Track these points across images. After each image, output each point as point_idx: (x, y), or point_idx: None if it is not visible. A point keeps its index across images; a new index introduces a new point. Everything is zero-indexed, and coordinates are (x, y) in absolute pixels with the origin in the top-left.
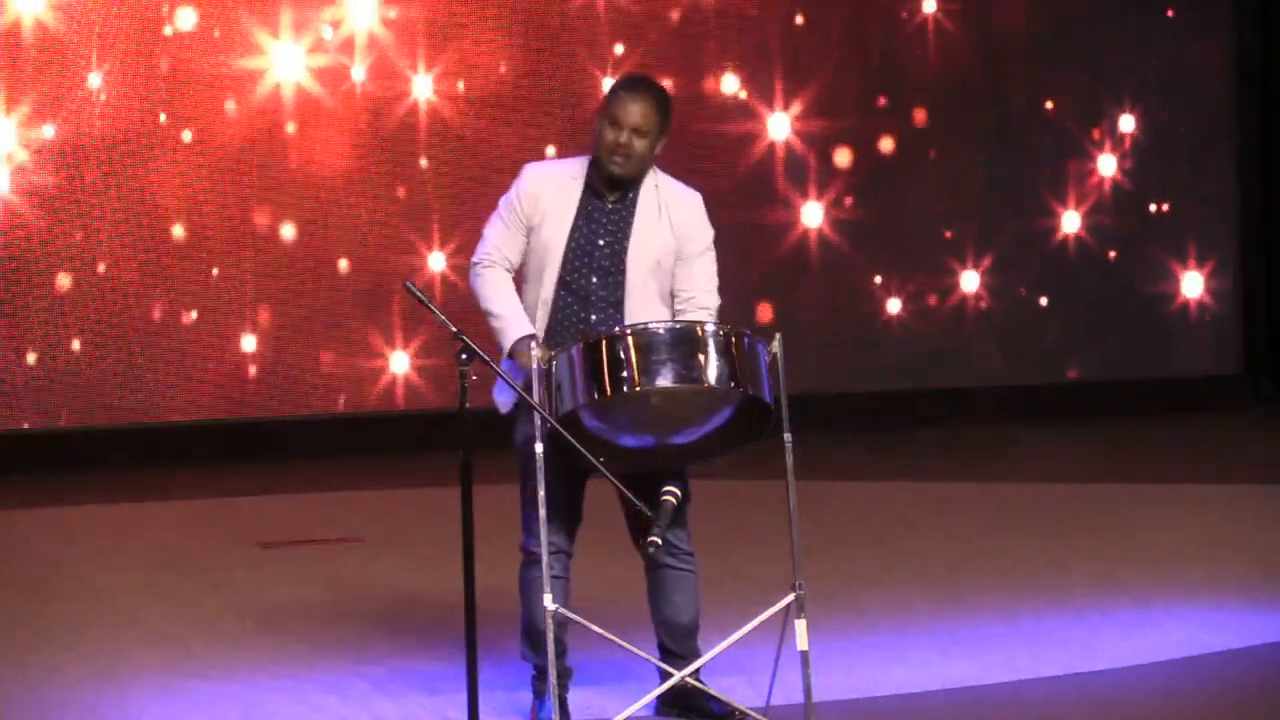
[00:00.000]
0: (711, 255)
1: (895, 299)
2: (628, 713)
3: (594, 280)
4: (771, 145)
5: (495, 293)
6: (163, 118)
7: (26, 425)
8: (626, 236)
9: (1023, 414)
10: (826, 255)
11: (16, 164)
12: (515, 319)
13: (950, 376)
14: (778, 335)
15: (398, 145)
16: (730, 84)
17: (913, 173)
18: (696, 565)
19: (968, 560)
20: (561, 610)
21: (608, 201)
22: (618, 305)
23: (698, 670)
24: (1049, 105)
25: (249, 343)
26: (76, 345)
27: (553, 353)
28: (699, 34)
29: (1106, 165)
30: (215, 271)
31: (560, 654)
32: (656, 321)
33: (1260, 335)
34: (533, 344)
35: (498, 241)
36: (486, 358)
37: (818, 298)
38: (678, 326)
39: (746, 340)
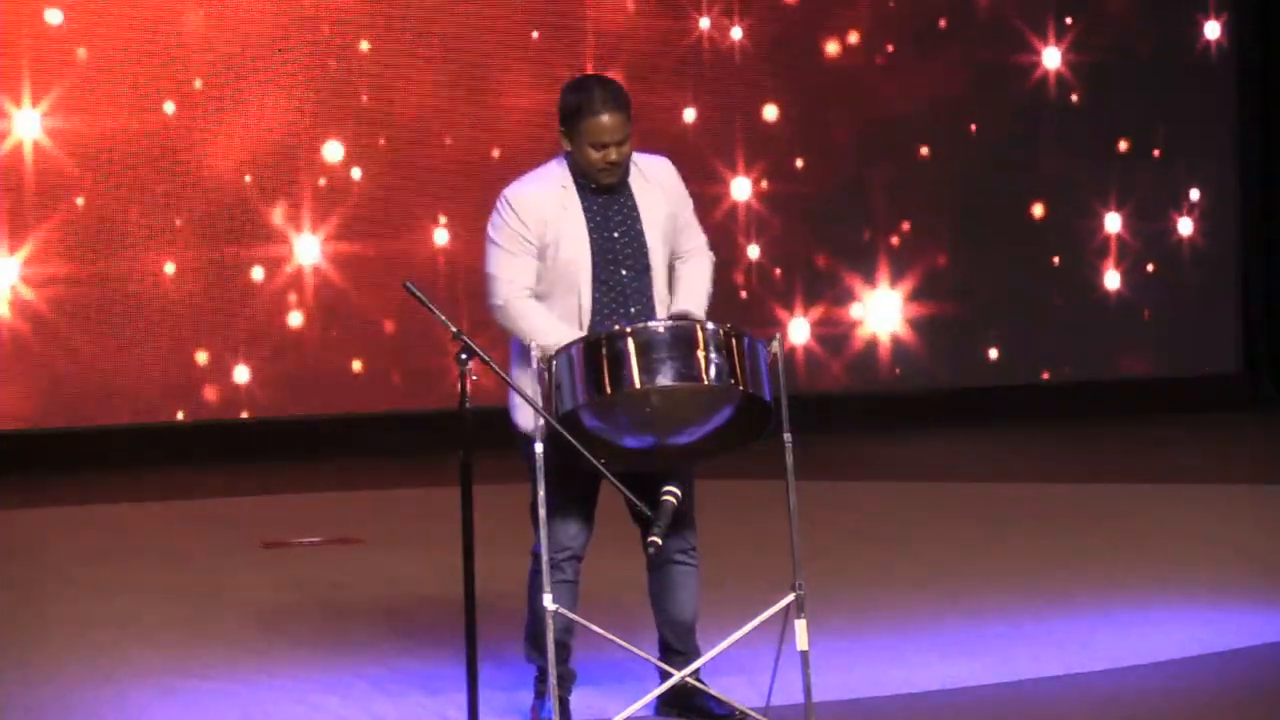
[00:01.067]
0: (691, 203)
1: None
2: (628, 713)
3: (624, 273)
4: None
5: (537, 323)
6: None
7: (27, 425)
8: (638, 220)
9: (1024, 414)
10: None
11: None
12: (562, 337)
13: (951, 376)
14: (777, 335)
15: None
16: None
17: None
18: (700, 561)
19: (968, 560)
20: (561, 610)
21: (603, 194)
22: (648, 292)
23: (698, 670)
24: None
25: (248, 342)
26: (77, 345)
27: (552, 353)
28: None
29: (1109, 168)
30: (215, 270)
31: (564, 658)
32: (656, 320)
33: (1260, 335)
34: (533, 345)
35: (511, 275)
36: (487, 358)
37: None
38: (678, 325)
39: (746, 340)
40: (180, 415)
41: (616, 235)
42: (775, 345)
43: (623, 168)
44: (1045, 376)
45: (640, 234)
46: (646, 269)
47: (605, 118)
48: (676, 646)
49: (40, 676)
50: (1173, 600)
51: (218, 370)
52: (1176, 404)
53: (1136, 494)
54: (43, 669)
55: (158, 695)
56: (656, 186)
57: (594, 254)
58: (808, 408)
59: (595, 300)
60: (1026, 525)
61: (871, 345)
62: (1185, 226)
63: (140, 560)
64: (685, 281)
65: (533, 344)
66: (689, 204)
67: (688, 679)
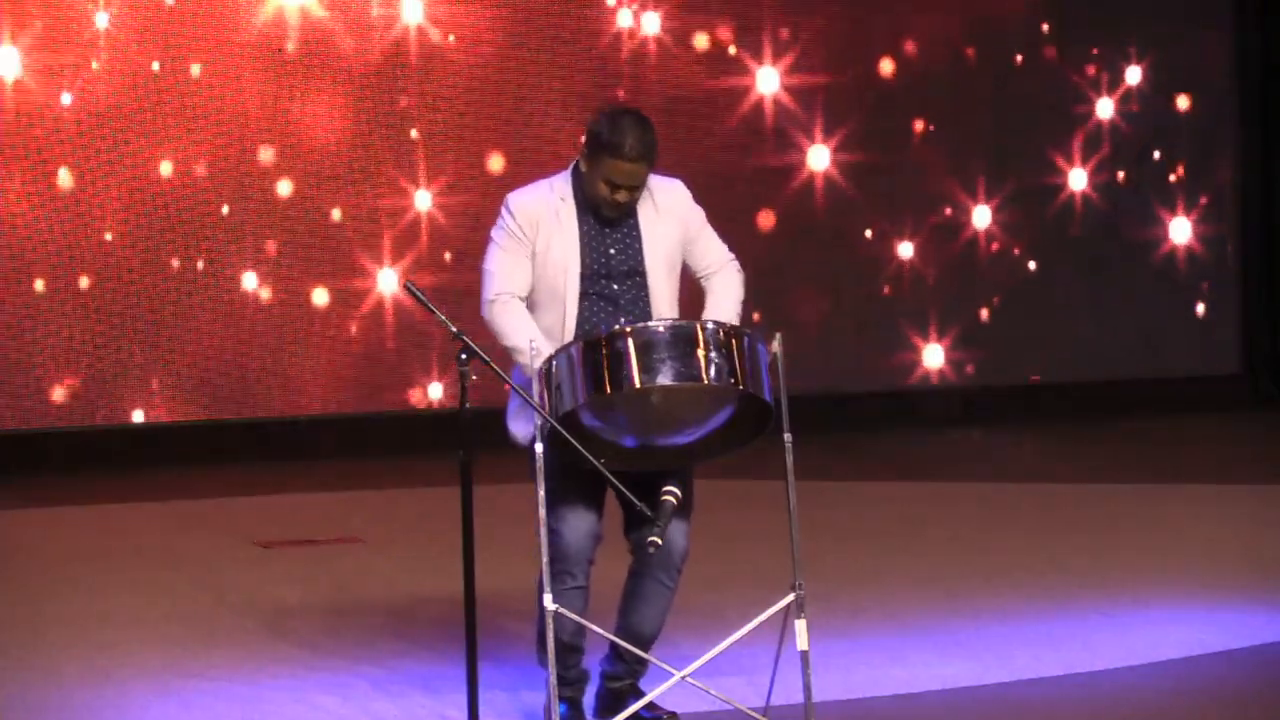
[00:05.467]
0: (710, 227)
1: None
2: (628, 713)
3: (615, 286)
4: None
5: (513, 326)
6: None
7: (26, 425)
8: (637, 241)
9: (1023, 414)
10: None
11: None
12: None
13: (951, 376)
14: (778, 335)
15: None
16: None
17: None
18: (678, 585)
19: (968, 560)
20: (561, 611)
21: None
22: (645, 305)
23: (638, 677)
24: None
25: (248, 342)
26: (76, 345)
27: (552, 353)
28: None
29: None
30: (215, 269)
31: (577, 660)
32: (657, 320)
33: (1260, 335)
34: (531, 341)
35: (504, 273)
36: (487, 358)
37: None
38: (677, 325)
39: (746, 339)
40: (185, 415)
41: (613, 252)
42: (775, 344)
43: (627, 208)
44: (1045, 377)
45: (639, 253)
46: (644, 285)
47: (627, 165)
48: (622, 654)
49: (40, 676)
50: (1173, 600)
51: (218, 370)
52: (1176, 404)
53: (1136, 494)
54: (42, 669)
55: (158, 695)
56: (666, 214)
57: (584, 266)
58: (808, 407)
59: (583, 311)
60: (1027, 525)
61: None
62: (1185, 227)
63: (140, 560)
64: (714, 296)
65: (531, 342)
66: (703, 224)
67: (630, 686)
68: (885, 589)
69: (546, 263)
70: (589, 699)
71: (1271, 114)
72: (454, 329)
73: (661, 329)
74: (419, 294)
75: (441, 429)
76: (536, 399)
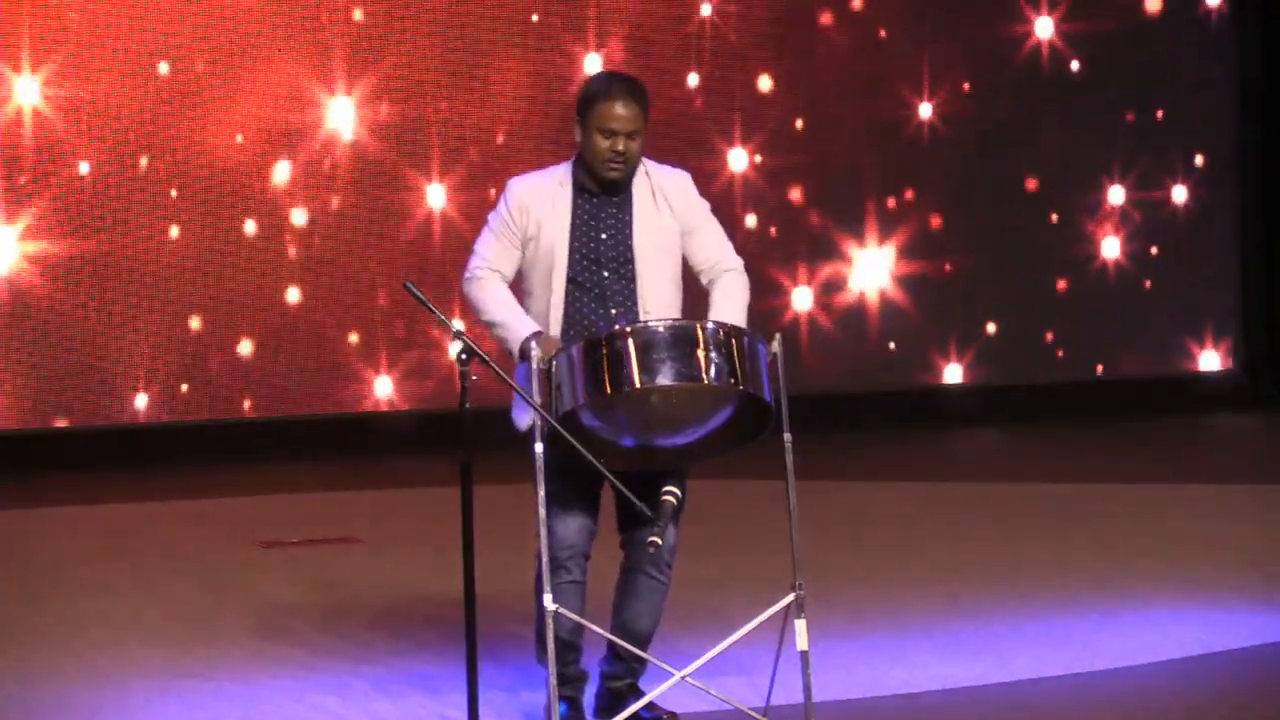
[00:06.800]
0: (715, 221)
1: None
2: (627, 713)
3: (605, 275)
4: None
5: (492, 300)
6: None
7: (25, 425)
8: (629, 227)
9: (1023, 414)
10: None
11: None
12: (518, 321)
13: (950, 376)
14: (777, 335)
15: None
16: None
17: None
18: (672, 580)
19: (968, 560)
20: (562, 611)
21: (598, 196)
22: (632, 295)
23: (638, 677)
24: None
25: (248, 343)
26: (77, 345)
27: (553, 353)
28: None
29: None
30: (216, 269)
31: (575, 659)
32: (656, 320)
33: (1260, 335)
34: (533, 343)
35: (488, 254)
36: (487, 358)
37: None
38: (677, 325)
39: (746, 340)
40: (185, 415)
41: (604, 237)
42: (775, 345)
43: (630, 165)
44: (1045, 377)
45: (629, 239)
46: (632, 274)
47: (618, 106)
48: (620, 653)
49: (39, 675)
50: (1173, 600)
51: (217, 369)
52: (1176, 404)
53: (1137, 494)
54: (42, 668)
55: (157, 694)
56: (664, 200)
57: (572, 251)
58: (809, 407)
59: (570, 297)
60: (1027, 525)
61: (871, 344)
62: (1185, 227)
63: (140, 560)
64: (716, 305)
65: (532, 345)
66: (706, 217)
67: (628, 686)
68: (885, 589)
69: (538, 245)
70: (589, 699)
71: (1271, 114)
72: (454, 329)
73: (661, 329)
74: (418, 293)
75: (441, 429)
76: (536, 397)
